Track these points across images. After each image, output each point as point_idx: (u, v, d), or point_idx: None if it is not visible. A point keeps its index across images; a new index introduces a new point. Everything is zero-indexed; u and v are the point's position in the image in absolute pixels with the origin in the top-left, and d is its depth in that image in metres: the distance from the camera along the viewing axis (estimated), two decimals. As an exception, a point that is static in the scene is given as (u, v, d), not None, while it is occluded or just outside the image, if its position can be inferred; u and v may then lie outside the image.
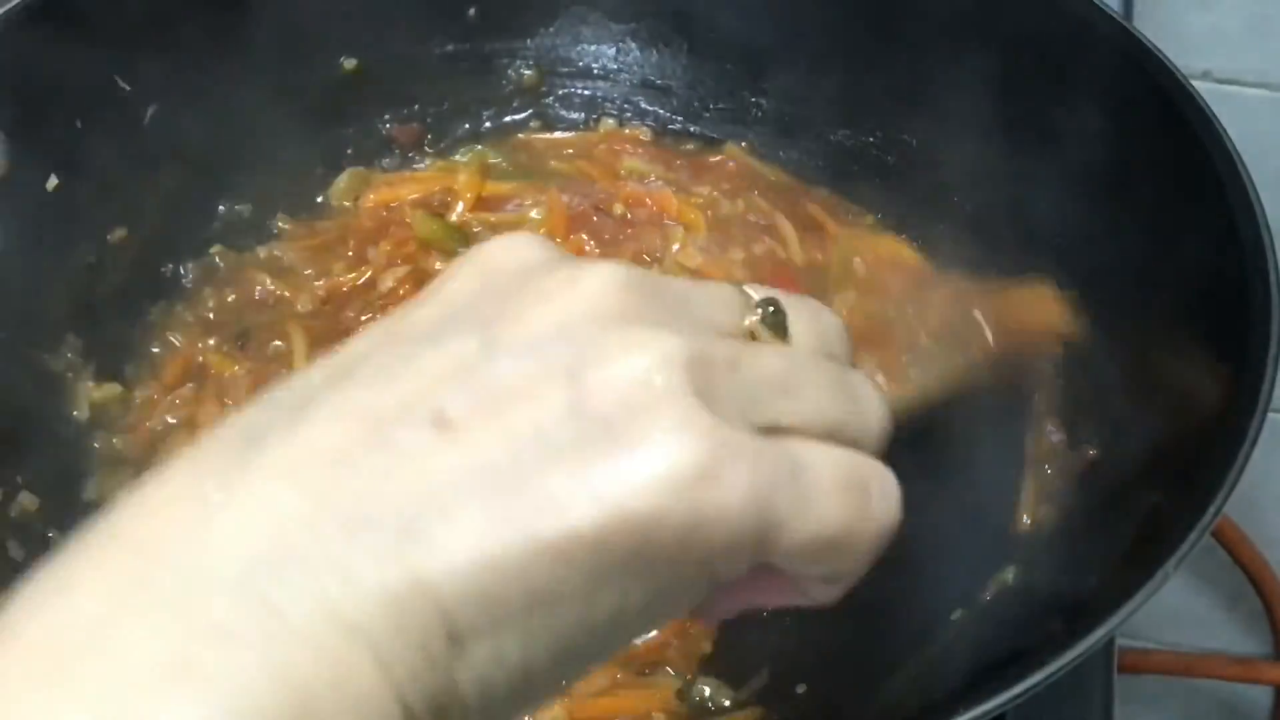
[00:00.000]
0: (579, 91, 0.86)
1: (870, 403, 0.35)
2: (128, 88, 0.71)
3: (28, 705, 0.25)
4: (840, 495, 0.32)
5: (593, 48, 0.85)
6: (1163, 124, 0.64)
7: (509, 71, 0.85)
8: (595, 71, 0.86)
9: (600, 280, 0.32)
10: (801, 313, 0.35)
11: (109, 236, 0.74)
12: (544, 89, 0.86)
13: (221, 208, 0.79)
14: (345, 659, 0.27)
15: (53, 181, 0.69)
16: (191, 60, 0.73)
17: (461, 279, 0.33)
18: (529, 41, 0.85)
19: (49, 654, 0.26)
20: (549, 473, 0.29)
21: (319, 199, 0.82)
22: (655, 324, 0.31)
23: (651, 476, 0.29)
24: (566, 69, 0.86)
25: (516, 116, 0.86)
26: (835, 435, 0.33)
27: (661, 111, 0.86)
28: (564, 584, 0.29)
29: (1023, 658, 0.48)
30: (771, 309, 0.34)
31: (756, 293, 0.35)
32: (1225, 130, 0.62)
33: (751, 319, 0.34)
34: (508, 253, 0.34)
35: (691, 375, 0.30)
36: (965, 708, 0.45)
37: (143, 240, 0.76)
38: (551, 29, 0.85)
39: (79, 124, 0.70)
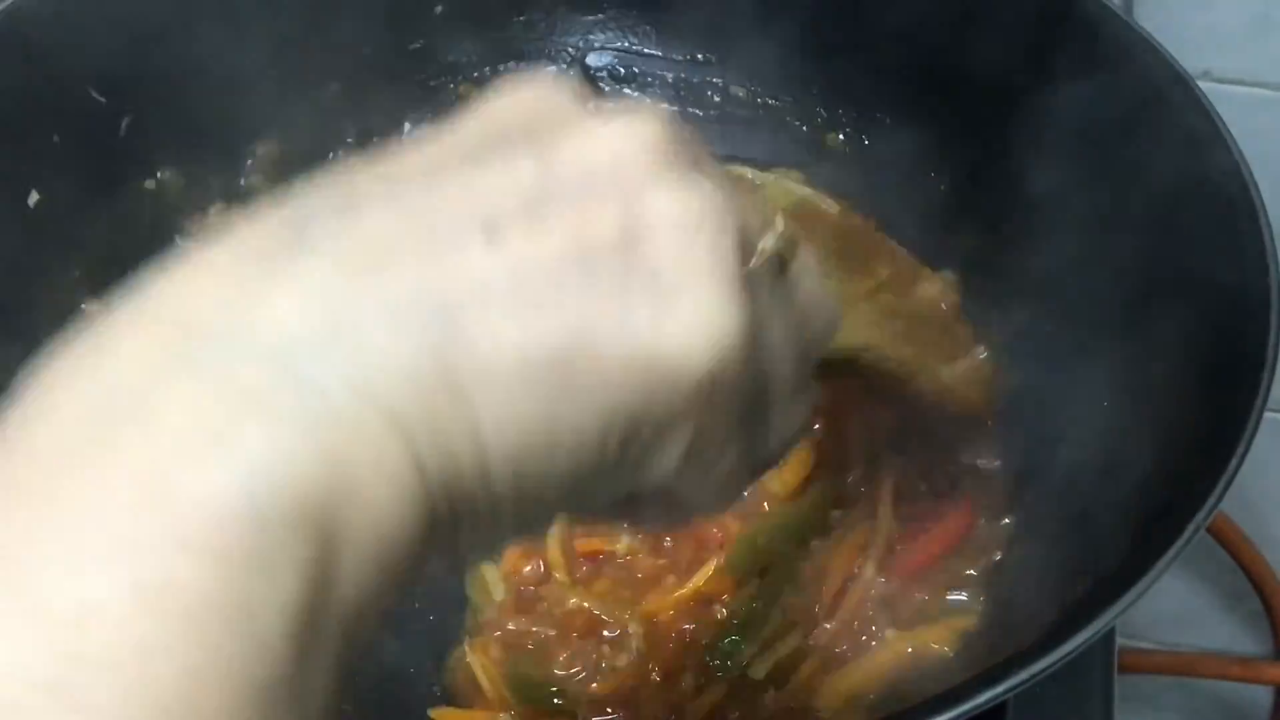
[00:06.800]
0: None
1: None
2: (102, 99, 0.71)
3: (68, 479, 0.25)
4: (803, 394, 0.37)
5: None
6: (1165, 122, 0.63)
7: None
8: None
9: (651, 126, 0.32)
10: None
11: (93, 250, 0.73)
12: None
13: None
14: (379, 438, 0.27)
15: (34, 197, 0.68)
16: (162, 72, 0.72)
17: (504, 105, 0.33)
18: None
19: (90, 423, 0.26)
20: (588, 299, 0.29)
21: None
22: (701, 177, 0.32)
23: (685, 331, 0.30)
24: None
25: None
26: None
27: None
28: (579, 408, 0.29)
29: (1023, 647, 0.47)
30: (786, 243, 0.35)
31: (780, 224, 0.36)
32: (1228, 129, 0.61)
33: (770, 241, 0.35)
34: (548, 86, 0.33)
35: (736, 240, 0.31)
36: (967, 696, 0.44)
37: (127, 255, 0.75)
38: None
39: (56, 138, 0.69)
